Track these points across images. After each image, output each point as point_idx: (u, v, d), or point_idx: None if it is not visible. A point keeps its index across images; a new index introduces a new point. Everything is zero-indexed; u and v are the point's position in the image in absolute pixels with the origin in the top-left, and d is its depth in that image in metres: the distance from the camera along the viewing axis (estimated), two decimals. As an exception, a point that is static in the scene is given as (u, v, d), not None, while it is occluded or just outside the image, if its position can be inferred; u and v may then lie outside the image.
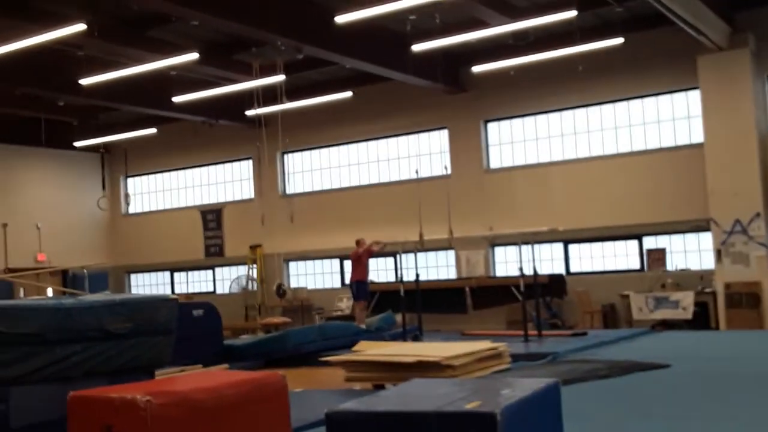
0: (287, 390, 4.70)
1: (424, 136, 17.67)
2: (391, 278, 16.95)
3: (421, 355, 7.84)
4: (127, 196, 21.94)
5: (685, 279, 14.30)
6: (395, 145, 18.05)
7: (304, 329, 12.56)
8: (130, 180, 22.31)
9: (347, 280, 18.50)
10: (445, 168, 16.63)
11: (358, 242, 13.53)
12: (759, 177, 13.31)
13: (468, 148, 16.86)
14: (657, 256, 14.92)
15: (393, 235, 14.08)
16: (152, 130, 19.38)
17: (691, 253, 14.81)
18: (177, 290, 21.23)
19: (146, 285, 22.22)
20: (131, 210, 22.26)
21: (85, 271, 15.59)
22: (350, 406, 3.63)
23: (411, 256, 13.32)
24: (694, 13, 12.09)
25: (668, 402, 6.67)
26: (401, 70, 15.04)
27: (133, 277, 22.53)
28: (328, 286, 18.93)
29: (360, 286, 13.28)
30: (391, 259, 17.18)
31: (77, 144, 19.89)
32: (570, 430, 4.23)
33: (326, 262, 19.08)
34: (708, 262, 14.21)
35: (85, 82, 14.34)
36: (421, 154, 17.58)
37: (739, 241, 13.31)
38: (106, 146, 21.00)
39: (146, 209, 22.19)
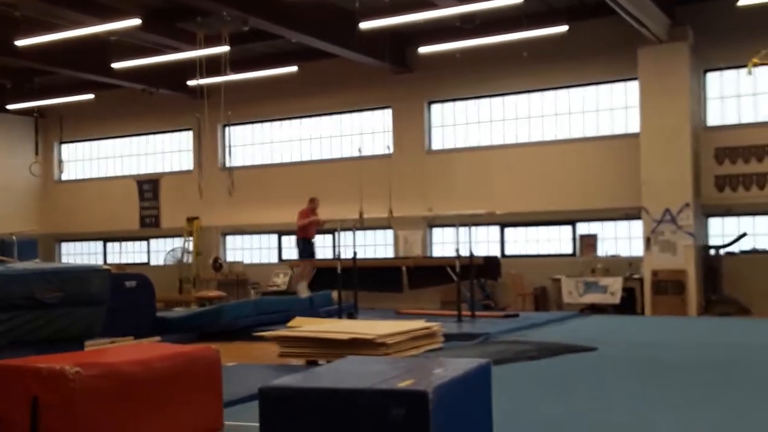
0: (220, 364, 4.67)
1: (368, 114, 17.62)
2: (329, 255, 16.95)
3: (355, 332, 7.88)
4: (60, 162, 21.40)
5: (615, 265, 14.63)
6: (339, 122, 17.96)
7: (239, 303, 12.47)
8: (64, 146, 21.73)
9: (285, 255, 18.58)
10: (388, 147, 16.64)
11: (312, 200, 13.77)
12: (690, 168, 13.69)
13: (411, 129, 16.90)
14: (589, 242, 15.22)
15: (333, 213, 14.07)
16: (89, 96, 18.90)
17: (621, 240, 15.14)
18: (109, 260, 20.81)
19: (77, 254, 21.74)
20: (64, 177, 21.70)
21: (14, 237, 15.14)
22: (284, 381, 3.63)
23: (350, 234, 13.33)
24: (637, 4, 12.31)
25: (594, 383, 6.86)
26: (348, 47, 14.95)
27: (64, 245, 22.01)
28: (265, 261, 18.82)
29: (303, 244, 13.74)
30: (329, 237, 17.17)
31: (10, 107, 19.31)
32: (499, 410, 4.31)
33: (264, 237, 18.95)
34: (637, 249, 14.55)
35: (21, 43, 13.89)
36: (364, 132, 17.55)
37: (668, 230, 13.69)
38: (41, 110, 20.42)
39: (80, 177, 21.66)
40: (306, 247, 13.90)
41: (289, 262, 17.25)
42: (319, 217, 13.99)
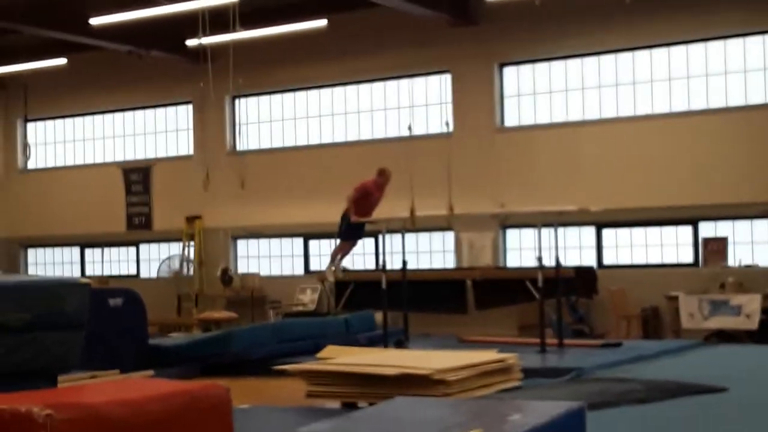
0: (230, 406, 4.70)
1: (419, 81, 17.61)
2: (371, 266, 16.97)
3: (405, 366, 7.87)
4: (26, 146, 21.75)
5: (751, 278, 14.42)
6: (381, 91, 17.98)
7: (254, 328, 12.56)
8: (30, 125, 22.12)
9: (313, 265, 18.67)
10: (446, 124, 16.59)
11: (381, 172, 13.47)
12: None
13: (476, 100, 16.84)
14: (716, 248, 15.03)
15: (376, 211, 14.07)
16: (62, 61, 19.19)
17: (759, 245, 14.94)
18: (89, 272, 21.14)
19: (49, 263, 22.11)
20: (31, 165, 22.09)
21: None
22: (313, 430, 3.65)
23: (397, 237, 13.33)
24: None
25: (723, 436, 6.75)
26: (393, -7, 14.96)
27: (31, 252, 22.40)
28: (287, 273, 18.93)
29: (348, 224, 13.34)
30: (371, 241, 17.20)
31: (-39, 75, 19.69)
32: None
33: (285, 241, 19.06)
34: (781, 257, 14.41)
35: (-27, -7, 14.17)
36: (414, 105, 17.54)
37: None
38: (1, 79, 20.76)
39: (51, 164, 22.02)
40: (350, 227, 13.62)
41: (318, 275, 17.34)
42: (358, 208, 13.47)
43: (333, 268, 13.52)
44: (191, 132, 19.95)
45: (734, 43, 15.08)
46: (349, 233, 13.66)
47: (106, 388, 4.92)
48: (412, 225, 12.68)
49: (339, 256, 13.84)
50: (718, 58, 15.22)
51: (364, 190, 13.36)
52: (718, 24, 14.98)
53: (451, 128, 16.54)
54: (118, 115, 21.07)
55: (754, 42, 14.92)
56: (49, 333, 5.82)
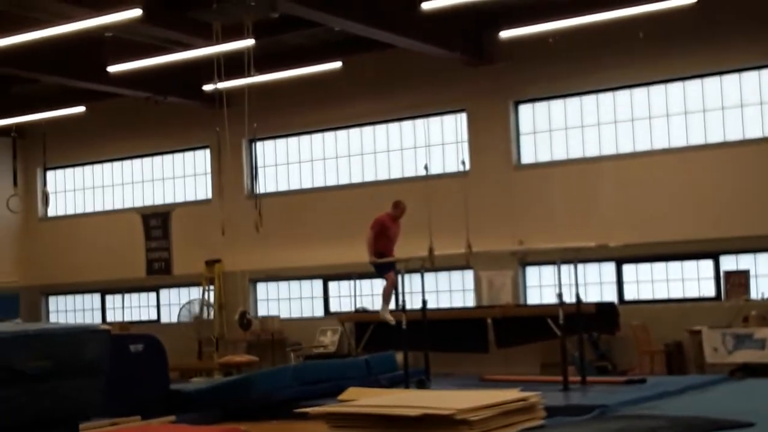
0: (252, 451, 4.67)
1: (435, 120, 17.67)
2: (391, 306, 16.91)
3: (428, 406, 7.83)
4: (45, 194, 21.83)
5: (775, 311, 14.31)
6: (397, 132, 18.05)
7: (274, 371, 12.50)
8: (50, 173, 22.27)
9: (333, 307, 18.64)
10: (463, 163, 16.60)
11: (396, 205, 13.65)
12: None
13: (492, 138, 16.87)
14: (738, 281, 14.93)
15: (394, 250, 14.05)
16: (80, 109, 19.33)
17: (782, 277, 14.85)
18: (109, 318, 21.18)
19: (69, 310, 22.18)
20: (51, 212, 22.22)
21: (-12, 291, 15.57)
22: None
23: (417, 277, 13.29)
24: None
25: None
26: (407, 34, 15.03)
27: (52, 300, 22.47)
28: (307, 315, 18.91)
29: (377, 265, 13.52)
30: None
31: (-19, 125, 19.85)
32: None
33: (305, 283, 19.06)
34: (805, 289, 14.28)
35: (-7, 44, 14.32)
36: (431, 144, 17.57)
37: None
38: (20, 128, 20.90)
39: (70, 212, 22.16)
40: (382, 265, 13.68)
41: (339, 316, 17.30)
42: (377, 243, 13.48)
43: (387, 313, 13.46)
44: (209, 176, 20.03)
45: (749, 76, 15.07)
46: (384, 268, 13.59)
47: (126, 435, 4.90)
48: (431, 264, 12.64)
49: (387, 297, 13.78)
50: (734, 90, 15.20)
51: (381, 225, 13.37)
52: (733, 57, 14.99)
53: (467, 167, 16.55)
54: (137, 161, 21.21)
55: (770, 74, 14.94)
56: (69, 380, 5.81)
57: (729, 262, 15.21)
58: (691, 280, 15.52)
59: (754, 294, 14.82)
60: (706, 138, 15.38)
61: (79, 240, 21.53)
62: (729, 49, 14.94)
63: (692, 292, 15.47)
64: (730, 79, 15.22)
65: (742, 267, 15.06)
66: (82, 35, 14.20)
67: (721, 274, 15.19)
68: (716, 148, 15.22)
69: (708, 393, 11.48)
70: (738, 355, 13.98)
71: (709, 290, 15.35)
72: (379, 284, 17.46)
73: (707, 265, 15.39)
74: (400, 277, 13.86)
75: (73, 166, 22.06)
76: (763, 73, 14.96)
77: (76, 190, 22.18)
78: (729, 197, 14.92)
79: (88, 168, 21.94)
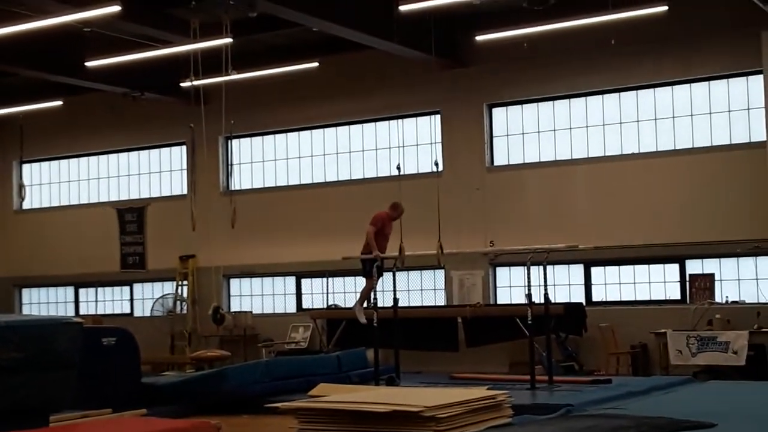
0: (222, 445, 4.66)
1: (409, 122, 17.68)
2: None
3: (397, 403, 7.84)
4: (21, 187, 21.70)
5: (738, 315, 14.38)
6: (371, 132, 18.05)
7: (246, 366, 12.49)
8: (25, 166, 22.10)
9: (305, 303, 18.61)
10: (436, 164, 16.58)
11: (394, 206, 13.06)
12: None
13: (466, 140, 16.90)
14: (703, 285, 15.03)
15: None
16: (57, 103, 19.20)
17: (746, 282, 14.95)
18: (83, 311, 21.05)
19: (43, 303, 22.02)
20: (26, 205, 22.03)
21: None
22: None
23: (388, 275, 13.30)
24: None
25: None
26: (383, 36, 15.02)
27: (25, 292, 22.30)
28: (279, 311, 18.88)
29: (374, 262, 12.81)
30: (361, 280, 17.13)
31: (-42, 117, 19.69)
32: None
33: (278, 280, 19.02)
34: (768, 293, 14.39)
35: (-30, 37, 14.21)
36: (404, 144, 17.59)
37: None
38: (-4, 121, 20.79)
39: (46, 205, 22.00)
40: (376, 264, 13.21)
41: (311, 313, 17.28)
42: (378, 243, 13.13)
43: (361, 313, 13.16)
44: (185, 172, 19.95)
45: (718, 84, 15.17)
46: (370, 269, 13.18)
47: (97, 428, 4.87)
48: (402, 263, 12.67)
49: (363, 297, 13.44)
50: (703, 98, 15.30)
51: (380, 221, 13.01)
52: (702, 65, 15.09)
53: (441, 168, 16.56)
54: (113, 156, 21.10)
55: (738, 83, 15.01)
56: (41, 372, 5.79)
57: (695, 266, 15.30)
58: (658, 283, 15.60)
59: (719, 297, 14.91)
60: (675, 144, 15.48)
61: (53, 233, 21.38)
62: (699, 57, 15.04)
63: (658, 295, 15.56)
64: (700, 87, 15.31)
65: (707, 271, 15.15)
66: (61, 30, 14.13)
67: (687, 277, 15.29)
68: (685, 154, 15.31)
69: (672, 394, 11.56)
70: (702, 357, 14.07)
71: (674, 293, 15.45)
72: (351, 282, 17.54)
73: (673, 268, 15.48)
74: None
75: (50, 159, 21.90)
76: (731, 81, 15.07)
77: (51, 183, 22.02)
78: (696, 202, 15.01)
79: (64, 162, 21.80)
